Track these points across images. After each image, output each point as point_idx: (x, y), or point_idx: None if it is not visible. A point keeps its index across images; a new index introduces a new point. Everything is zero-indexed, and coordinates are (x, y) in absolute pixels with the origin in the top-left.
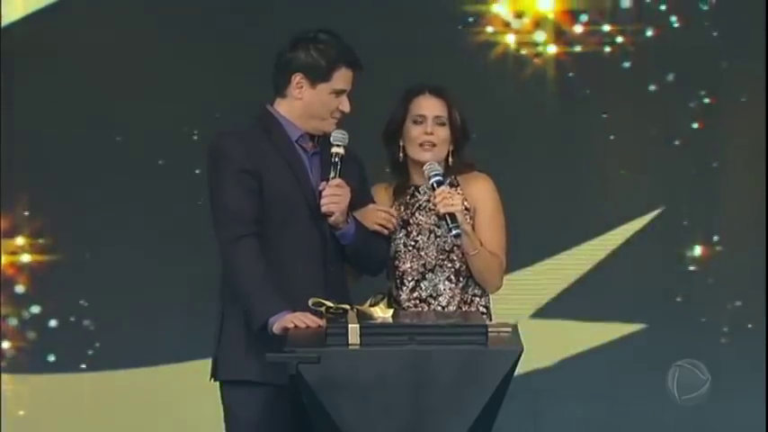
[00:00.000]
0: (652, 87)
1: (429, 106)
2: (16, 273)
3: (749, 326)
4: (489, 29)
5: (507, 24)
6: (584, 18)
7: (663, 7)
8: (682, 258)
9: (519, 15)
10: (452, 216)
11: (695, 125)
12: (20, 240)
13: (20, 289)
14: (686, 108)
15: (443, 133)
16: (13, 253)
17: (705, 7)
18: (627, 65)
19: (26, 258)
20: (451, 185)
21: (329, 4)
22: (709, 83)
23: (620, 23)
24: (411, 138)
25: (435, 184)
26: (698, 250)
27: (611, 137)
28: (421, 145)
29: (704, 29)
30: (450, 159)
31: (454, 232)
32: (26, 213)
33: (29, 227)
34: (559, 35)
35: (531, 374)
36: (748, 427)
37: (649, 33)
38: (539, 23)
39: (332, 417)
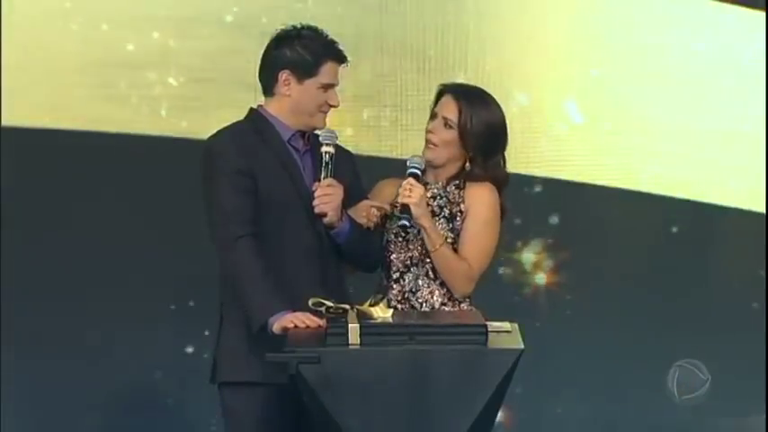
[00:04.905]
0: None
1: (444, 106)
2: None
3: (749, 325)
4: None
5: None
6: None
7: None
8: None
9: None
10: (406, 207)
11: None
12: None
13: None
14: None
15: (447, 135)
16: None
17: None
18: None
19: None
20: (457, 188)
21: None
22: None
23: None
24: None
25: (409, 176)
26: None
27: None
28: (425, 141)
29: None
30: (468, 165)
31: (400, 222)
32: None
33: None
34: None
35: (531, 374)
36: (748, 427)
37: None
38: None
39: (332, 417)
